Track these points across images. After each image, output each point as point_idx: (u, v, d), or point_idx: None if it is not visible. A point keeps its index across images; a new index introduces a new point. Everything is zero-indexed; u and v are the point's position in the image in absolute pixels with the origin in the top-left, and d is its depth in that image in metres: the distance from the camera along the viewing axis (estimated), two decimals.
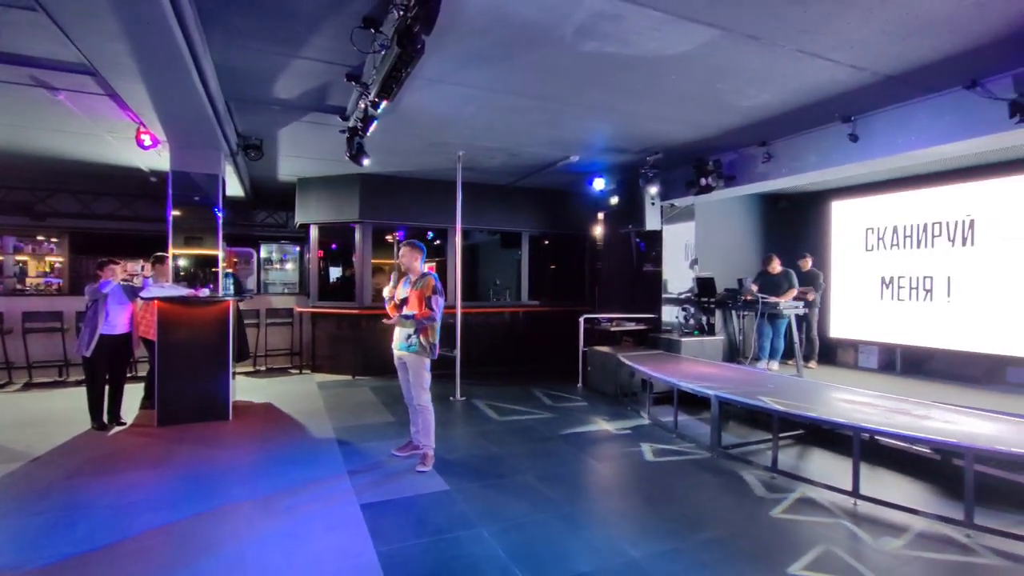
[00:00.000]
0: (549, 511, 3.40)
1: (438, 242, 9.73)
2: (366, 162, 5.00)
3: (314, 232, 8.21)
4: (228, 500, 3.52)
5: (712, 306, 7.38)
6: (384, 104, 3.67)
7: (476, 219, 8.65)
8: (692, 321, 7.54)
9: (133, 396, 5.61)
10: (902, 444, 4.00)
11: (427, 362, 4.24)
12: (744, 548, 2.95)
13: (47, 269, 10.49)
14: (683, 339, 6.94)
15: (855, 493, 3.49)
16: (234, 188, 7.65)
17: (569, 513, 3.38)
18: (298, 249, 11.27)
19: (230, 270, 7.46)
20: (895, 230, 7.46)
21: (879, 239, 7.65)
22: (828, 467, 4.18)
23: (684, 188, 6.73)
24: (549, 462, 4.31)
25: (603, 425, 5.41)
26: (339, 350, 7.99)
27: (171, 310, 5.19)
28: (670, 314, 7.81)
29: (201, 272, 5.79)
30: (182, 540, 2.98)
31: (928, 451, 3.92)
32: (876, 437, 4.04)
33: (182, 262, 5.68)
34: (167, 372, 5.16)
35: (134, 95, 4.00)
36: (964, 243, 6.71)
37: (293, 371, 8.19)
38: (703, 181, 6.30)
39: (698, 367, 5.83)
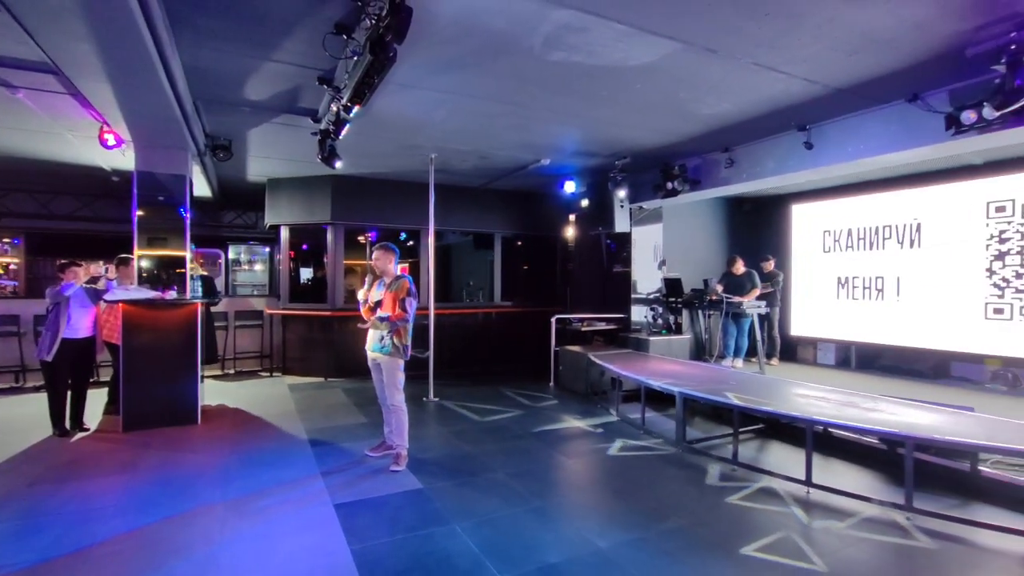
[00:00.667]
0: (520, 506, 3.50)
1: (411, 243, 9.73)
2: (338, 164, 5.02)
3: (285, 233, 8.13)
4: (199, 503, 3.51)
5: (679, 306, 7.62)
6: (356, 109, 3.71)
7: (449, 220, 8.70)
8: (660, 320, 7.76)
9: (96, 401, 5.47)
10: (852, 435, 4.24)
11: (401, 363, 4.29)
12: (703, 536, 3.11)
13: (1, 271, 10.07)
14: (651, 338, 7.14)
15: (808, 482, 3.70)
16: (201, 188, 7.52)
17: (540, 507, 3.49)
18: (268, 250, 11.10)
19: (203, 272, 7.33)
20: (849, 232, 7.84)
21: (835, 241, 8.03)
22: (785, 459, 4.40)
23: (652, 191, 6.94)
24: (521, 459, 4.41)
25: (573, 423, 5.54)
26: (310, 352, 7.94)
27: (136, 313, 5.10)
28: (639, 314, 8.02)
29: (167, 274, 5.69)
30: (152, 544, 2.97)
31: (875, 441, 4.17)
32: (828, 429, 4.28)
33: (147, 264, 5.58)
34: (133, 376, 5.06)
35: (99, 94, 3.94)
36: (912, 245, 7.11)
37: (263, 374, 8.09)
38: (669, 185, 6.51)
39: (665, 365, 6.03)
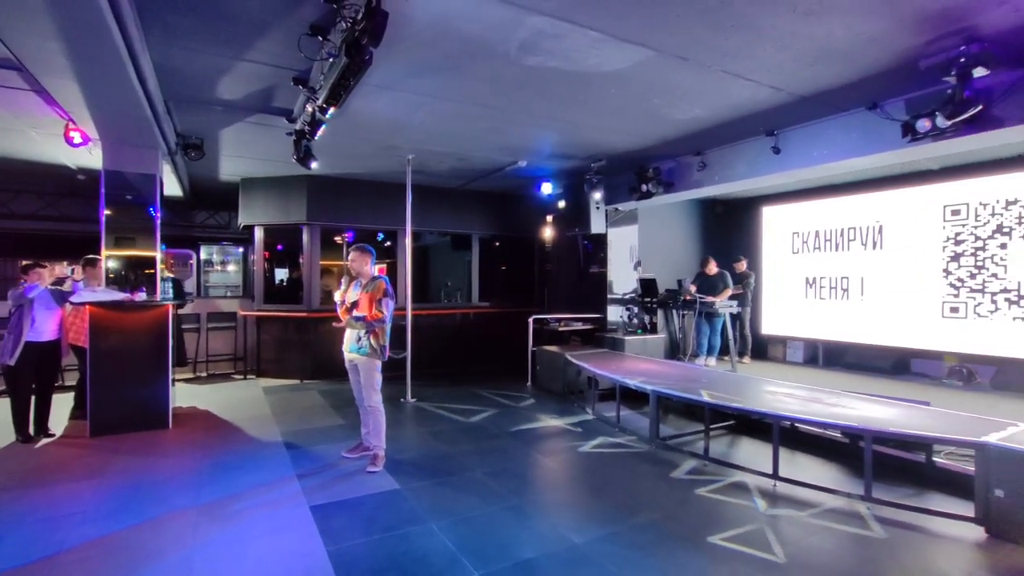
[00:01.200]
0: (497, 504, 3.55)
1: (388, 244, 9.69)
2: (314, 165, 4.99)
3: (259, 233, 8.02)
4: (170, 508, 3.46)
5: (654, 306, 7.77)
6: (332, 110, 3.71)
7: (426, 221, 8.71)
8: (636, 320, 7.90)
9: (62, 406, 5.33)
10: (816, 430, 4.40)
11: (378, 364, 4.30)
12: (674, 528, 3.21)
13: None
14: (627, 338, 7.27)
15: (775, 475, 3.83)
16: (172, 188, 7.36)
17: (516, 505, 3.54)
18: (241, 251, 10.92)
19: (169, 274, 7.19)
20: (817, 234, 8.10)
21: (803, 242, 8.29)
22: (754, 453, 4.54)
23: (627, 193, 7.06)
24: (498, 458, 4.46)
25: (550, 422, 5.62)
26: (286, 354, 7.84)
27: (104, 315, 4.98)
28: (615, 314, 8.15)
29: (136, 275, 5.57)
30: (122, 550, 2.93)
31: (838, 435, 4.34)
32: (795, 424, 4.43)
33: (115, 264, 5.45)
34: (100, 380, 4.94)
35: (65, 92, 3.84)
36: (874, 247, 7.40)
37: (237, 376, 7.96)
38: (644, 187, 6.64)
39: (640, 364, 6.15)
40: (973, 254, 6.44)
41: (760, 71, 3.90)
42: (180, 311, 7.09)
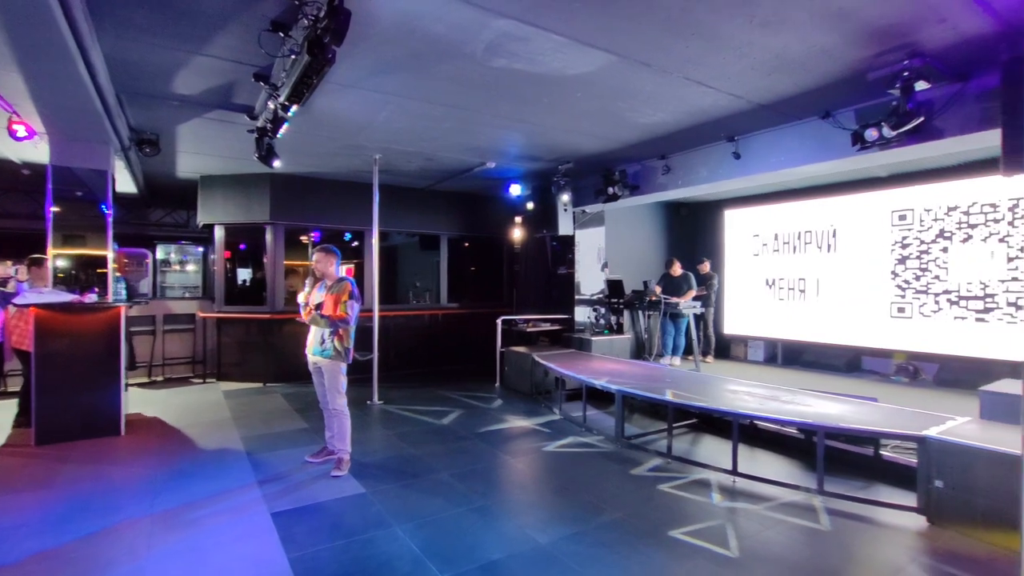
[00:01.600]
0: (463, 506, 3.55)
1: (356, 243, 9.55)
2: (277, 163, 4.88)
3: (219, 233, 7.77)
4: (123, 518, 3.32)
5: (621, 306, 7.89)
6: (295, 107, 3.64)
7: (394, 221, 8.62)
8: (603, 321, 8.01)
9: (5, 413, 5.05)
10: (773, 426, 4.56)
11: (343, 366, 4.24)
12: (638, 526, 3.27)
13: None
14: (594, 338, 7.36)
15: (734, 472, 3.96)
16: (126, 184, 7.07)
17: (483, 507, 3.55)
18: (201, 250, 10.56)
19: (119, 274, 6.90)
20: (776, 237, 8.39)
21: (763, 245, 8.56)
22: (715, 450, 4.67)
23: (594, 196, 7.16)
24: (465, 460, 4.45)
25: (518, 422, 5.64)
26: (248, 357, 7.63)
27: (51, 318, 4.75)
28: (583, 314, 8.24)
29: (88, 274, 5.33)
30: (71, 563, 2.80)
31: (794, 431, 4.50)
32: (754, 422, 4.58)
33: (64, 264, 5.20)
34: (46, 385, 4.70)
35: (7, 84, 3.66)
36: (829, 249, 7.71)
37: (196, 380, 7.70)
38: (610, 190, 6.75)
39: (607, 364, 6.24)
40: (918, 257, 6.79)
41: (720, 79, 4.02)
42: (130, 313, 6.79)
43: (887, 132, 3.99)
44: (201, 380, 7.67)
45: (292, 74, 3.22)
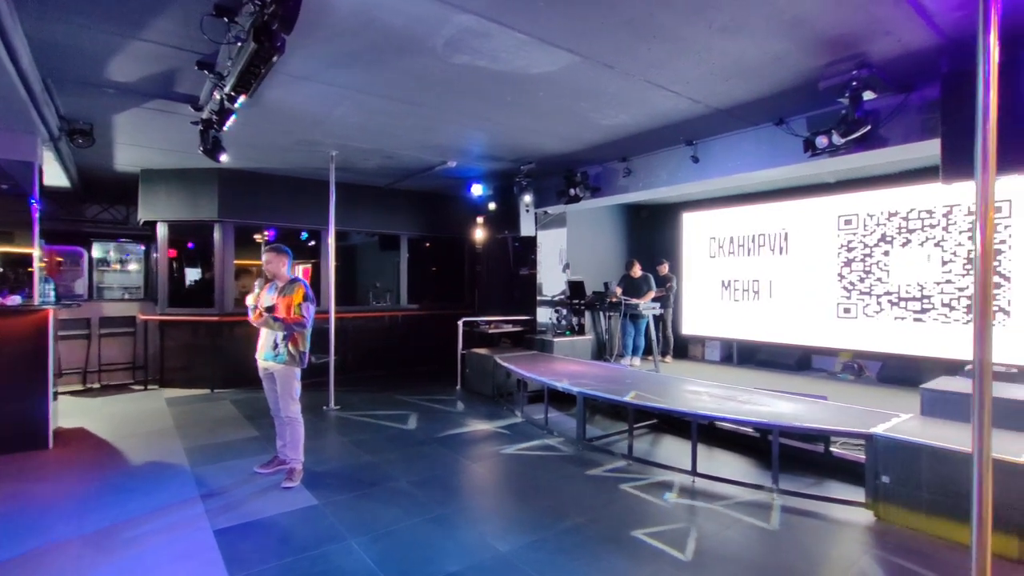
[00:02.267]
0: (421, 515, 3.43)
1: (313, 243, 9.22)
2: (224, 158, 4.62)
3: (162, 230, 7.33)
4: (48, 539, 3.05)
5: (582, 307, 7.92)
6: (242, 99, 3.43)
7: (352, 220, 8.38)
8: (564, 322, 8.03)
9: None
10: (731, 426, 4.65)
11: (297, 372, 4.05)
12: (599, 531, 3.25)
13: None
14: (556, 339, 7.36)
15: (693, 472, 4.00)
16: (57, 177, 6.57)
17: (441, 515, 3.44)
18: (144, 249, 9.95)
19: (46, 273, 6.40)
20: (731, 239, 8.62)
21: (720, 247, 8.78)
22: (675, 451, 4.72)
23: (555, 197, 7.15)
24: (424, 466, 4.33)
25: (479, 426, 5.55)
26: (195, 361, 7.23)
27: None
28: (545, 315, 8.23)
29: (17, 274, 4.90)
30: None
31: (750, 430, 4.60)
32: (712, 422, 4.66)
33: None
34: None
35: None
36: (781, 252, 7.97)
37: (136, 387, 7.24)
38: (572, 191, 6.76)
39: (569, 366, 6.23)
40: (862, 260, 7.11)
41: (680, 83, 4.06)
42: (60, 316, 6.32)
43: (836, 139, 4.12)
44: (142, 387, 7.22)
45: (238, 62, 3.03)
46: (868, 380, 7.04)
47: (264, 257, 4.12)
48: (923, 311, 6.56)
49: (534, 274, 8.20)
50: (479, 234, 9.24)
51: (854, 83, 3.64)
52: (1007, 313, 5.88)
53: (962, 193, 6.24)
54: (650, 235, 9.65)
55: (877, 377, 7.02)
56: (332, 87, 4.22)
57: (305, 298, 3.98)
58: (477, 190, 7.78)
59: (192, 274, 10.21)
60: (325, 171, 6.50)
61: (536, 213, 7.82)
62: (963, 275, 6.26)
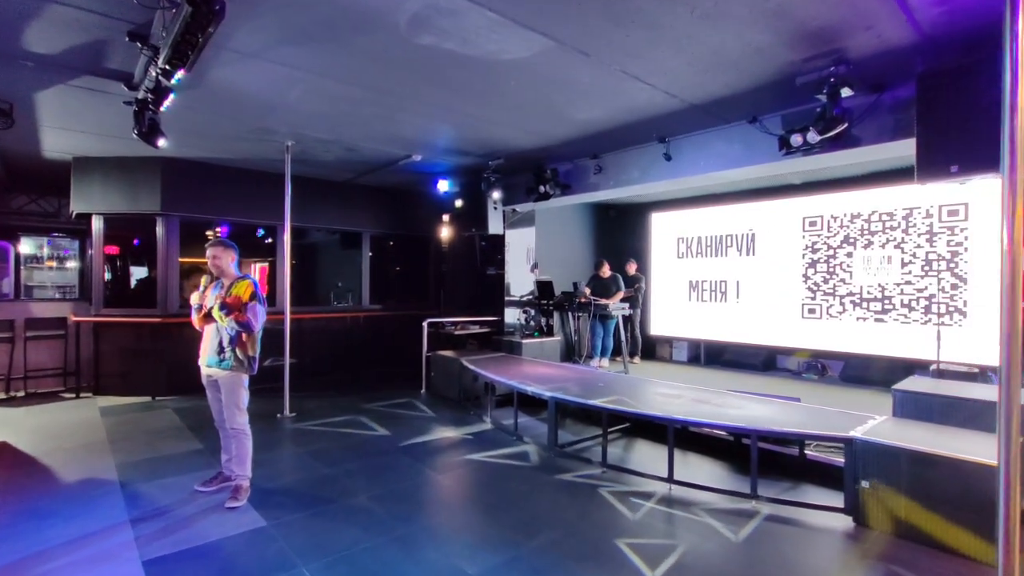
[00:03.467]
0: (383, 535, 3.15)
1: (270, 240, 8.72)
2: (162, 143, 4.19)
3: (97, 224, 6.73)
4: None
5: (551, 308, 7.74)
6: (180, 74, 3.06)
7: (311, 217, 7.94)
8: (533, 323, 7.83)
9: None
10: (706, 430, 4.53)
11: (245, 379, 3.70)
12: (574, 547, 3.04)
13: None
14: (524, 341, 7.14)
15: (670, 479, 3.85)
16: None
17: (405, 535, 3.16)
18: (80, 244, 9.18)
19: None
20: (699, 240, 8.62)
21: (687, 248, 8.77)
22: (649, 456, 4.58)
23: (525, 194, 6.94)
24: (386, 478, 4.03)
25: (445, 433, 5.28)
26: (134, 367, 6.66)
27: None
28: (513, 316, 8.01)
29: None
30: None
31: (723, 433, 4.50)
32: (687, 426, 4.53)
33: None
34: None
35: None
36: (748, 253, 8.01)
37: (67, 395, 6.61)
38: (542, 188, 6.56)
39: (538, 368, 6.03)
40: (826, 261, 7.19)
41: (657, 74, 3.91)
42: None
43: (811, 137, 4.06)
44: (74, 395, 6.60)
45: (172, 31, 2.68)
46: (831, 380, 7.12)
47: (209, 252, 3.74)
48: (884, 311, 6.68)
49: (502, 274, 7.97)
50: (445, 232, 8.94)
51: (832, 79, 3.57)
52: (963, 314, 6.03)
53: (921, 196, 6.38)
54: (618, 235, 9.57)
55: (840, 377, 7.11)
56: (284, 67, 3.87)
57: (254, 298, 3.63)
58: (443, 186, 7.49)
59: (139, 273, 9.50)
60: (281, 163, 6.08)
61: (504, 211, 7.59)
62: (921, 276, 6.40)
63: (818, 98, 3.75)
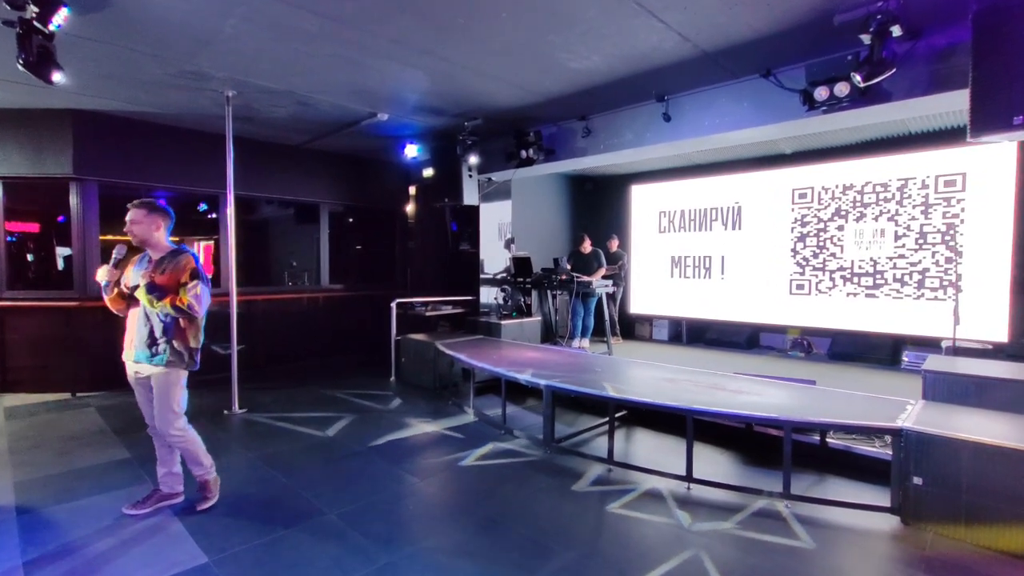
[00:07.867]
0: (360, 567, 2.53)
1: (213, 215, 7.72)
2: (58, 77, 3.29)
3: None
4: None
5: (529, 286, 7.18)
6: None
7: (261, 186, 7.03)
8: (510, 302, 7.26)
9: None
10: (720, 420, 4.10)
11: (183, 377, 2.98)
12: (597, 574, 2.52)
13: None
14: (502, 322, 6.56)
15: (688, 478, 3.39)
16: None
17: (388, 565, 2.56)
18: None
19: None
20: (682, 213, 8.21)
21: (670, 222, 8.36)
22: (653, 448, 4.13)
23: (504, 160, 6.28)
24: (359, 489, 3.39)
25: (422, 427, 4.66)
26: (48, 359, 5.68)
27: None
28: (488, 295, 7.41)
29: None
30: None
31: (734, 422, 4.09)
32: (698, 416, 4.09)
33: None
34: None
35: None
36: (734, 227, 7.65)
37: None
38: (524, 153, 5.93)
39: (522, 352, 5.47)
40: (816, 235, 6.91)
41: (676, 8, 3.32)
42: None
43: (839, 90, 3.62)
44: None
45: None
46: (818, 357, 6.91)
47: (129, 215, 2.95)
48: (875, 286, 6.46)
49: (476, 251, 7.32)
50: (412, 206, 8.18)
51: (880, 16, 3.08)
52: (959, 288, 5.84)
53: (916, 166, 6.14)
54: (596, 209, 9.07)
55: (827, 354, 6.90)
56: None
57: (195, 275, 2.89)
58: (411, 151, 6.72)
59: (65, 252, 8.29)
60: (221, 119, 5.18)
61: (479, 180, 6.91)
62: (915, 250, 6.19)
63: (861, 39, 3.26)
